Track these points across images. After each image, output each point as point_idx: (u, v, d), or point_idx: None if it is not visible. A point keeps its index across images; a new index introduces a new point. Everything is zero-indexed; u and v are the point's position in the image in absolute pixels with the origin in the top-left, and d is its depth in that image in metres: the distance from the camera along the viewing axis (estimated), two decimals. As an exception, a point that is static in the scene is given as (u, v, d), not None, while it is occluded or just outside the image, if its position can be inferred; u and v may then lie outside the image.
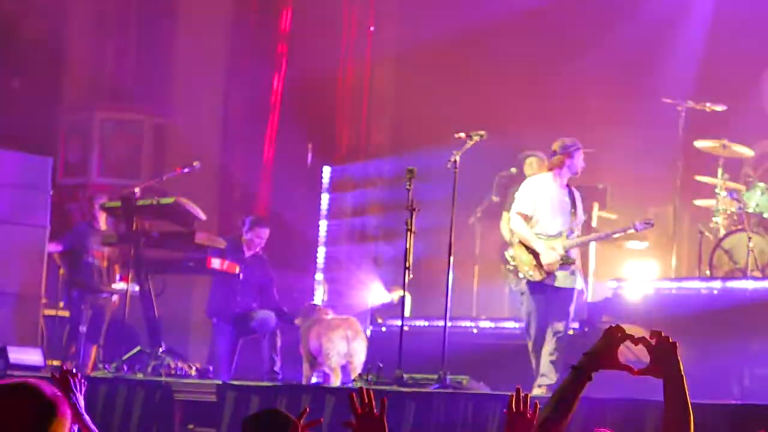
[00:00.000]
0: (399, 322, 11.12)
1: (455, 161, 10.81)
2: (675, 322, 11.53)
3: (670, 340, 4.11)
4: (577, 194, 10.93)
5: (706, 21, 13.97)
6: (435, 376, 10.37)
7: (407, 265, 10.65)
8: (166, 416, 10.43)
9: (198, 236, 12.21)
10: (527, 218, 10.81)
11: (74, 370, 5.73)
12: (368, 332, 12.26)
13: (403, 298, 11.13)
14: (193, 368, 11.78)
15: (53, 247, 13.38)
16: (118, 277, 13.45)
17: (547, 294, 10.71)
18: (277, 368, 12.13)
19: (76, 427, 5.35)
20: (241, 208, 15.24)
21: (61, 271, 13.75)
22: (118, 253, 13.23)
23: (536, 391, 10.27)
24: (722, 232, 12.25)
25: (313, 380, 11.41)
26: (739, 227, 12.10)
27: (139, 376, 11.41)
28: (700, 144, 12.62)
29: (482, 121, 11.94)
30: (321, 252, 15.69)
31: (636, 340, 4.09)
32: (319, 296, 15.04)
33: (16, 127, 14.80)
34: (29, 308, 13.19)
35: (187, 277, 13.87)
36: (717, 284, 11.77)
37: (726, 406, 8.45)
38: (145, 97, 16.76)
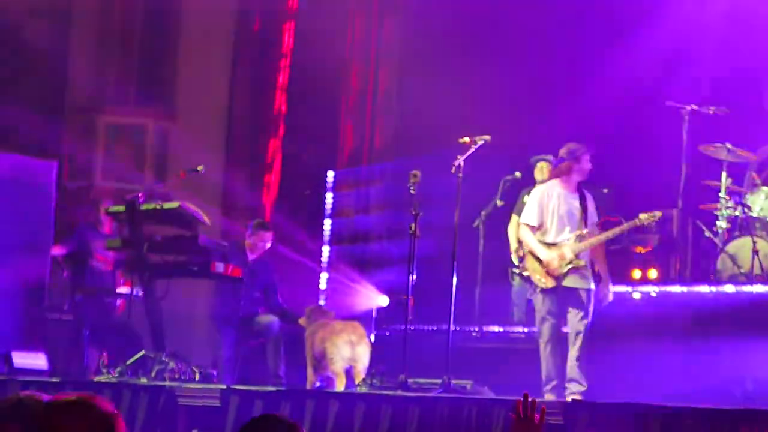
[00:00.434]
0: (402, 326, 11.12)
1: (459, 165, 10.82)
2: (679, 326, 11.55)
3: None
4: (589, 197, 10.96)
5: (713, 24, 13.97)
6: (439, 381, 10.37)
7: (410, 269, 10.67)
8: (170, 421, 10.42)
9: (202, 240, 12.22)
10: (534, 228, 10.88)
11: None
12: (372, 337, 12.25)
13: (407, 302, 11.11)
14: (197, 373, 11.77)
15: (57, 251, 13.39)
16: (122, 281, 13.45)
17: (560, 297, 10.76)
18: (281, 373, 12.13)
19: None
20: (245, 212, 15.21)
21: (66, 275, 13.76)
22: (123, 257, 13.24)
23: (547, 396, 10.33)
24: (726, 236, 12.24)
25: (317, 385, 11.40)
26: (743, 231, 12.09)
27: (143, 380, 11.40)
28: (704, 148, 12.62)
29: (487, 124, 11.96)
30: (325, 252, 15.70)
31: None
32: (323, 297, 15.05)
33: (21, 130, 14.82)
34: (33, 312, 13.19)
35: (191, 282, 13.85)
36: (721, 288, 11.76)
37: (729, 411, 8.44)
38: (149, 100, 16.77)
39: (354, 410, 9.56)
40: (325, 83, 15.93)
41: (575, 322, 10.64)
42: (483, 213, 13.50)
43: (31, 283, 13.24)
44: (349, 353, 11.16)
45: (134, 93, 16.97)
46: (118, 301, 13.41)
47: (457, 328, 11.57)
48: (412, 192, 10.69)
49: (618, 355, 11.16)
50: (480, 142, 11.05)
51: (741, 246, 11.99)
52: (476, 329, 12.94)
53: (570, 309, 10.70)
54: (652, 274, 13.51)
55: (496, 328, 12.98)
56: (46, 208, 13.41)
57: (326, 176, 15.95)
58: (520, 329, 12.80)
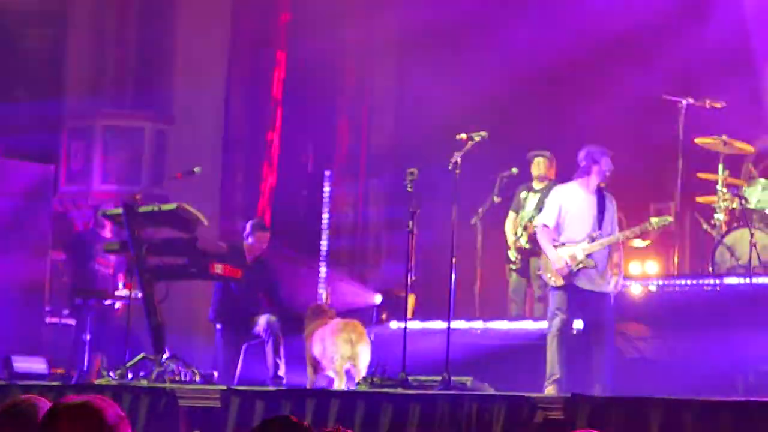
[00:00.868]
0: (402, 324, 11.12)
1: (456, 162, 10.83)
2: (678, 319, 11.55)
3: None
4: (609, 198, 11.03)
5: (708, 16, 13.97)
6: (439, 378, 10.37)
7: (409, 267, 10.67)
8: (171, 423, 10.41)
9: (200, 242, 12.22)
10: (550, 229, 11.00)
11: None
12: (372, 335, 12.25)
13: (406, 299, 11.13)
14: (198, 374, 11.77)
15: (57, 255, 13.41)
16: (121, 284, 13.46)
17: (569, 296, 10.91)
18: (281, 373, 12.13)
19: None
20: (243, 213, 15.25)
21: (66, 278, 13.77)
22: (123, 260, 13.25)
23: (548, 390, 10.42)
24: (724, 228, 12.25)
25: (318, 384, 11.40)
26: (741, 223, 12.09)
27: (144, 383, 11.40)
28: (700, 141, 12.62)
29: (484, 121, 11.96)
30: (323, 252, 15.72)
31: None
32: (323, 295, 15.06)
33: (18, 135, 14.83)
34: (33, 316, 13.20)
35: (190, 284, 13.85)
36: (719, 281, 11.77)
37: (729, 403, 8.44)
38: (145, 103, 16.78)
39: (354, 409, 9.56)
40: (322, 83, 15.94)
41: (576, 321, 10.75)
42: (480, 209, 13.50)
43: (30, 287, 13.24)
44: (349, 352, 11.16)
45: (131, 95, 16.98)
46: (118, 304, 13.41)
47: (456, 325, 11.56)
48: (409, 189, 10.69)
49: (616, 348, 11.18)
50: (477, 139, 11.04)
51: (739, 238, 11.99)
52: (478, 329, 12.95)
53: (575, 309, 10.84)
54: (651, 267, 13.53)
55: (494, 325, 12.98)
56: (44, 212, 13.42)
57: (324, 176, 15.95)
58: (519, 325, 12.82)
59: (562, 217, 11.01)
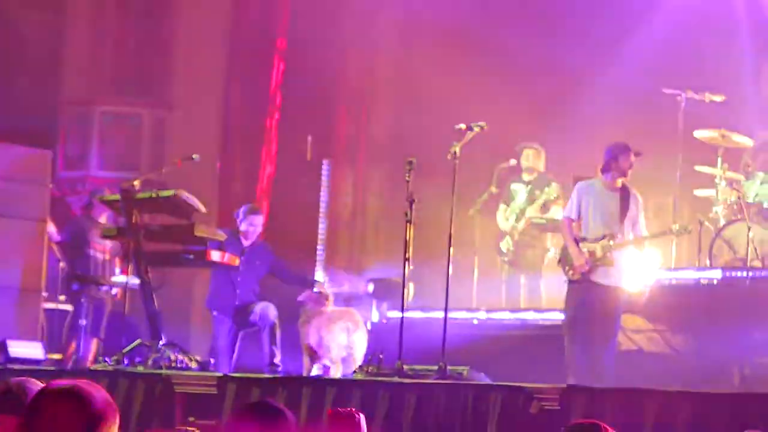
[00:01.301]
0: (399, 314, 11.11)
1: (455, 152, 10.82)
2: (675, 312, 11.56)
3: None
4: (633, 196, 11.04)
5: (708, 10, 13.96)
6: (435, 367, 10.37)
7: (407, 257, 10.66)
8: (167, 409, 10.41)
9: (198, 229, 12.20)
10: (572, 222, 11.12)
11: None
12: (368, 324, 12.25)
13: (403, 289, 11.11)
14: (194, 361, 11.76)
15: (54, 238, 13.39)
16: (118, 270, 13.45)
17: (583, 291, 10.98)
18: (277, 360, 12.12)
19: None
20: (241, 200, 15.19)
21: (62, 264, 13.75)
22: (119, 246, 13.23)
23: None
24: (722, 222, 12.25)
25: (314, 372, 11.40)
26: (739, 217, 12.10)
27: (140, 369, 11.39)
28: (699, 134, 12.62)
29: (483, 112, 11.94)
30: (321, 241, 15.70)
31: None
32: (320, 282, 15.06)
33: (16, 120, 14.80)
34: (29, 301, 13.18)
35: (187, 270, 13.85)
36: (717, 274, 11.78)
37: (726, 396, 8.45)
38: (144, 89, 16.76)
39: (351, 397, 9.57)
40: (322, 71, 15.92)
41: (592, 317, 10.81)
42: (478, 201, 13.50)
43: (27, 273, 13.23)
44: (345, 341, 11.16)
45: (129, 82, 16.96)
46: (115, 290, 13.41)
47: (453, 315, 11.56)
48: (407, 179, 10.68)
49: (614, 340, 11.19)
50: (476, 129, 11.03)
51: (737, 232, 12.00)
52: (474, 316, 12.96)
53: (591, 304, 10.89)
54: (648, 260, 13.52)
55: (491, 315, 12.99)
56: (42, 198, 13.40)
57: (322, 164, 15.94)
58: (515, 315, 12.83)
59: (582, 212, 11.09)
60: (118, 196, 12.31)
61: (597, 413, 8.41)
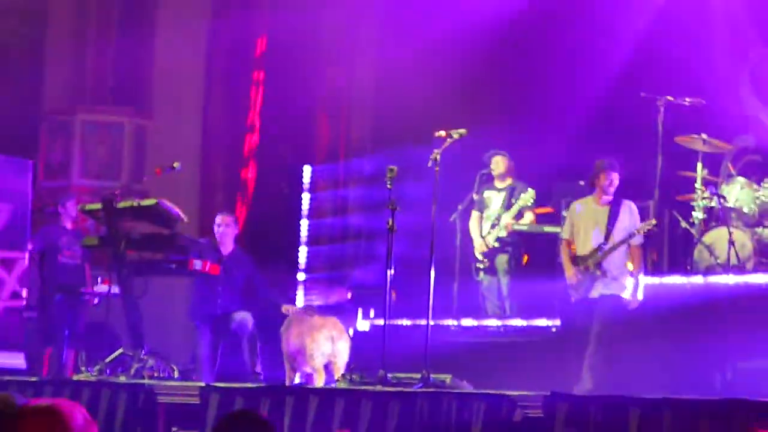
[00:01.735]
0: (382, 322, 11.11)
1: (436, 159, 10.83)
2: (656, 317, 11.57)
3: None
4: (625, 207, 11.22)
5: (688, 14, 13.99)
6: (418, 375, 10.38)
7: (388, 264, 10.67)
8: (150, 419, 10.40)
9: (179, 238, 12.19)
10: (569, 243, 11.32)
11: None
12: (351, 332, 12.24)
13: (386, 296, 11.10)
14: (176, 370, 11.75)
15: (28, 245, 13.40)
16: (99, 279, 13.42)
17: (581, 311, 11.16)
18: (258, 369, 12.10)
19: None
20: (222, 209, 15.20)
21: (37, 272, 13.72)
22: (89, 252, 13.21)
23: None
24: (703, 227, 12.28)
25: (297, 381, 11.39)
26: (720, 222, 12.13)
27: (122, 378, 11.38)
28: (679, 139, 12.65)
29: (463, 118, 11.96)
30: (303, 252, 15.69)
31: None
32: (301, 296, 15.04)
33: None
34: (10, 311, 13.15)
35: (169, 279, 13.83)
36: (698, 279, 11.80)
37: (708, 402, 8.47)
38: (125, 98, 16.73)
39: (334, 406, 9.56)
40: (301, 78, 15.91)
41: (597, 328, 10.92)
42: (460, 207, 13.51)
43: (7, 283, 13.20)
44: (329, 349, 11.14)
45: (111, 91, 16.93)
46: (96, 300, 13.38)
47: (436, 323, 11.57)
48: (389, 186, 10.69)
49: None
50: (456, 136, 11.06)
51: (717, 236, 12.02)
52: (456, 324, 12.96)
53: (594, 316, 11.01)
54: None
55: (473, 322, 13.00)
56: (23, 207, 13.37)
57: (303, 171, 15.93)
58: (497, 323, 12.84)
59: (575, 232, 11.28)
60: (99, 206, 12.30)
61: (580, 421, 8.43)
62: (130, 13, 16.99)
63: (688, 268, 12.14)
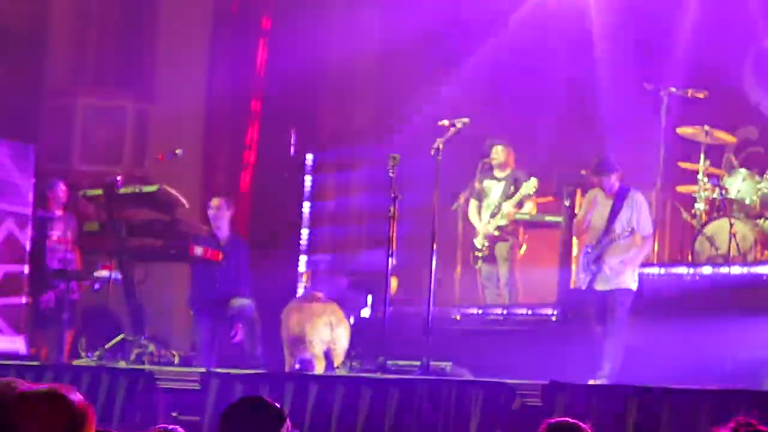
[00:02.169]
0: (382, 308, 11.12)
1: (438, 148, 10.83)
2: (657, 308, 11.58)
3: None
4: (630, 198, 11.18)
5: (690, 7, 13.97)
6: (418, 363, 10.38)
7: (390, 252, 10.67)
8: (150, 404, 10.41)
9: (181, 224, 12.18)
10: (584, 230, 11.35)
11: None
12: (351, 319, 12.25)
13: (387, 283, 11.10)
14: (177, 356, 11.76)
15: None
16: (99, 265, 13.41)
17: (587, 300, 11.18)
18: (258, 354, 12.09)
19: None
20: (224, 194, 15.20)
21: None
22: (78, 234, 13.15)
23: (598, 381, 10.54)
24: (704, 218, 12.27)
25: (296, 367, 11.39)
26: (721, 213, 12.13)
27: (122, 364, 11.38)
28: (682, 130, 12.64)
29: (466, 106, 11.96)
30: (304, 234, 15.69)
31: None
32: (302, 281, 15.04)
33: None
34: (11, 296, 13.14)
35: (169, 265, 13.82)
36: (699, 270, 11.80)
37: (708, 392, 8.48)
38: (127, 83, 16.69)
39: (333, 392, 9.57)
40: (305, 64, 15.87)
41: (600, 320, 10.98)
42: (461, 195, 13.50)
43: (9, 267, 13.19)
44: (328, 336, 11.15)
45: (112, 74, 16.89)
46: (97, 285, 13.37)
47: (436, 310, 11.57)
48: (391, 175, 10.69)
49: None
50: (459, 125, 11.06)
51: (719, 228, 12.02)
52: (458, 311, 12.96)
53: (597, 309, 11.07)
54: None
55: (474, 310, 13.00)
56: (24, 192, 13.36)
57: (305, 158, 15.92)
58: (498, 311, 12.83)
59: (587, 220, 11.32)
60: (100, 191, 12.28)
61: (579, 410, 8.44)
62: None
63: (690, 259, 12.14)
